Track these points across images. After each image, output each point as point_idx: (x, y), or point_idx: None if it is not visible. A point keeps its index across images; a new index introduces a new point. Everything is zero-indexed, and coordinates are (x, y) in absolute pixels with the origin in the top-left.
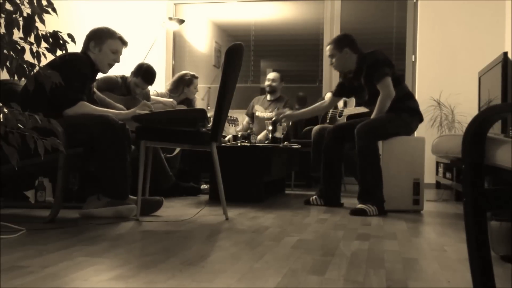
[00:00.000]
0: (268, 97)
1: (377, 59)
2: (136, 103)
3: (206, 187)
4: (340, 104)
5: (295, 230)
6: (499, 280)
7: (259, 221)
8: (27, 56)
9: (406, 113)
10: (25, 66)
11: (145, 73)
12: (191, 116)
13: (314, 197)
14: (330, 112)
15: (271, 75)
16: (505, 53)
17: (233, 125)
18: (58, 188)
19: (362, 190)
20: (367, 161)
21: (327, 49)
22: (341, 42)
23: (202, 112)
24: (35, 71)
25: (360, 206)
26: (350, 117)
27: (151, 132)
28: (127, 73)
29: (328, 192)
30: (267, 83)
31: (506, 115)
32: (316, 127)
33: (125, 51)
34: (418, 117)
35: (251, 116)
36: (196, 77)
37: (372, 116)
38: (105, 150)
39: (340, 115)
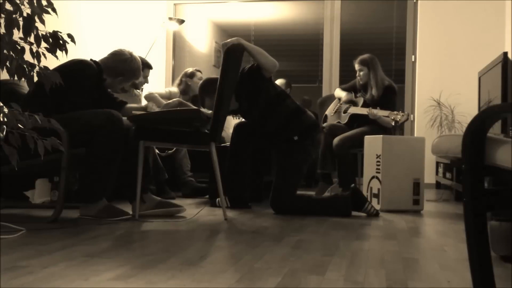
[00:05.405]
0: None
1: None
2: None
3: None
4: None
5: (295, 230)
6: (499, 280)
7: (259, 221)
8: (27, 56)
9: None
10: (25, 66)
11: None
12: (185, 116)
13: None
14: (336, 107)
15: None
16: (505, 53)
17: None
18: (61, 188)
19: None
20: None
21: None
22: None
23: (196, 112)
24: (35, 71)
25: None
26: (352, 116)
27: (150, 132)
28: None
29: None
30: None
31: (506, 115)
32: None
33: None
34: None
35: None
36: (199, 71)
37: None
38: (101, 150)
39: (345, 111)
